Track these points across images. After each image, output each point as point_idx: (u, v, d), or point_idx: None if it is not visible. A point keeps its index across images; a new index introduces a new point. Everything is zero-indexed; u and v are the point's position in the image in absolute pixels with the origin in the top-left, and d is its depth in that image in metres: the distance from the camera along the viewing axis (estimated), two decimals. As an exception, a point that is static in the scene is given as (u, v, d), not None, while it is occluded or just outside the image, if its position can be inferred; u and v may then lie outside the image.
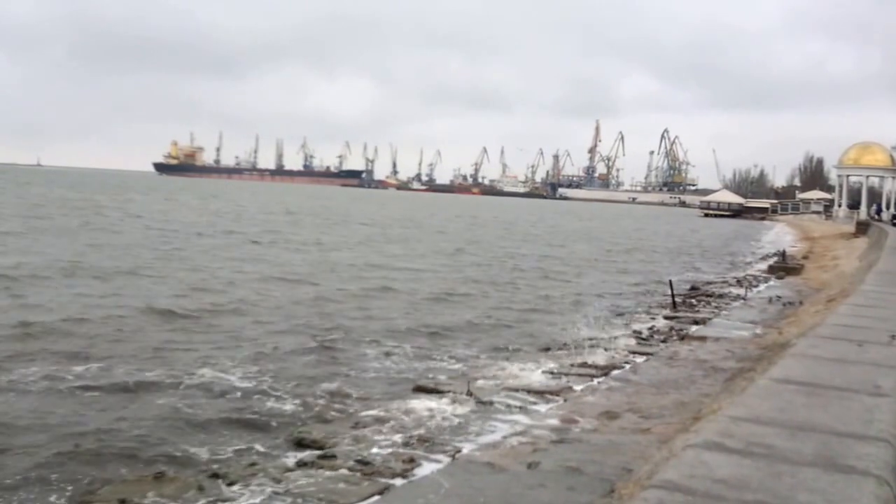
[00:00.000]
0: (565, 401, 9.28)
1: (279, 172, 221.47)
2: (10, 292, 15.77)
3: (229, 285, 18.89)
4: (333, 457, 7.19)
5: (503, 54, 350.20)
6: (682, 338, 13.55)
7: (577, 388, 10.09)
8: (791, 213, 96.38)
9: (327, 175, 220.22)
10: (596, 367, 11.52)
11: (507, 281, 23.62)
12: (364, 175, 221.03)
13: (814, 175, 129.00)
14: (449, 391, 9.84)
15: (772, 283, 23.87)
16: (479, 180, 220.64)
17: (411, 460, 7.10)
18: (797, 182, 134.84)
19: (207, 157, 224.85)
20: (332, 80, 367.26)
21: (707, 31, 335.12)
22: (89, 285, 17.45)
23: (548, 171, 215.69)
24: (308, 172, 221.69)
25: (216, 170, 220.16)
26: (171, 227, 36.24)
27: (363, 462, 7.03)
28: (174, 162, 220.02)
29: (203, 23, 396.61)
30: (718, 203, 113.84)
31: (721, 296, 21.68)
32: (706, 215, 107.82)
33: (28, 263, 19.87)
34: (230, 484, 6.66)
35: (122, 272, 19.80)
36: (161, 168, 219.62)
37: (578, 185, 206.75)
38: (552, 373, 11.23)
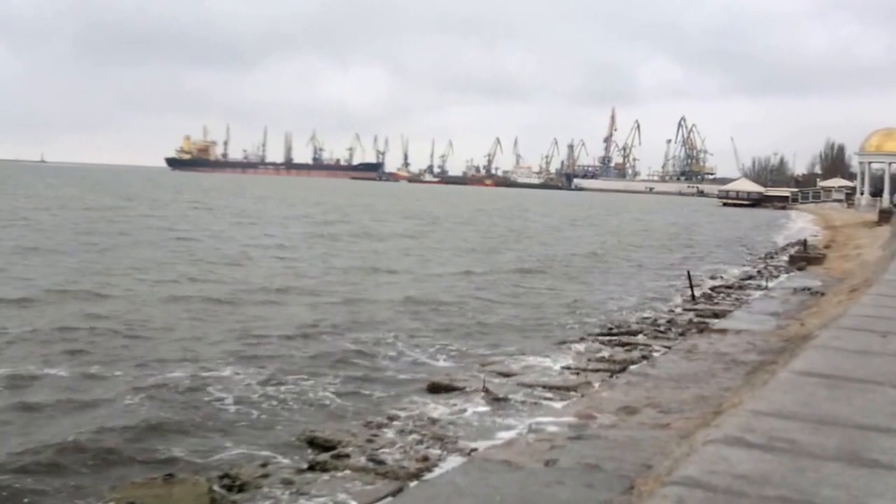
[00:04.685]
0: (582, 396, 9.17)
1: (294, 166, 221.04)
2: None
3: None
4: (346, 456, 7.11)
5: (519, 41, 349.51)
6: (701, 330, 13.38)
7: (595, 383, 9.97)
8: (812, 202, 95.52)
9: (344, 168, 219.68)
10: (613, 361, 11.39)
11: (520, 279, 23.51)
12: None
13: (835, 162, 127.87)
14: (464, 388, 9.75)
15: (793, 273, 23.57)
16: (493, 171, 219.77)
17: (426, 459, 7.02)
18: (818, 170, 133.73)
19: (217, 152, 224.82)
20: (342, 70, 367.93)
21: (731, 14, 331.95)
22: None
23: (562, 162, 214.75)
24: (324, 166, 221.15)
25: (229, 164, 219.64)
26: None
27: (377, 461, 6.94)
28: (187, 157, 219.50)
29: (211, 12, 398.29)
30: (738, 192, 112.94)
31: (741, 287, 21.45)
32: (725, 205, 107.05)
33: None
34: (241, 485, 6.59)
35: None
36: (173, 163, 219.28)
37: (594, 176, 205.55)
38: (569, 368, 11.12)
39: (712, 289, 21.09)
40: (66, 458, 7.35)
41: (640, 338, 13.53)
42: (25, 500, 6.52)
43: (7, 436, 7.93)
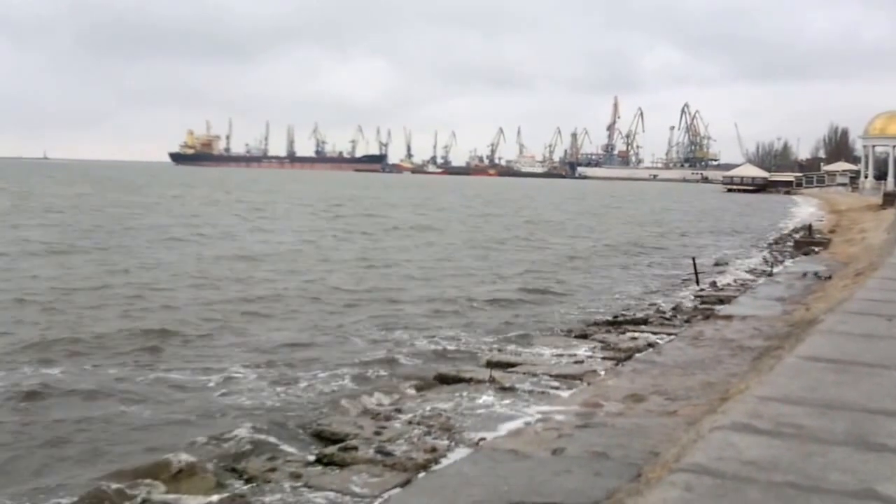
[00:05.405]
0: (589, 385, 9.17)
1: (297, 159, 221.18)
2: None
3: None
4: (354, 449, 7.10)
5: (520, 31, 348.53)
6: (706, 317, 13.36)
7: (601, 371, 9.98)
8: (816, 186, 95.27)
9: (348, 160, 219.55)
10: (619, 349, 11.39)
11: (528, 263, 23.52)
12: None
13: (839, 146, 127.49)
14: (470, 379, 9.74)
15: (798, 258, 23.55)
16: (496, 161, 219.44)
17: (433, 450, 7.01)
18: (822, 154, 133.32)
19: (219, 146, 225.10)
20: (343, 62, 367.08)
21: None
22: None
23: (565, 150, 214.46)
24: (328, 158, 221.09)
25: (233, 158, 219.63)
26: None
27: (384, 453, 6.93)
28: (190, 151, 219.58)
29: (211, 6, 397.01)
30: (742, 178, 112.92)
31: (747, 272, 21.45)
32: (729, 190, 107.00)
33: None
34: (249, 478, 6.59)
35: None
36: (177, 158, 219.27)
37: (597, 164, 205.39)
38: (575, 357, 11.13)
39: (718, 274, 21.10)
40: (75, 452, 7.40)
41: (646, 325, 13.52)
42: (30, 492, 6.53)
43: (13, 429, 7.97)
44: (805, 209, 60.22)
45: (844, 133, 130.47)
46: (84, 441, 7.72)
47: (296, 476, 6.60)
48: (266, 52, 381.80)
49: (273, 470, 6.76)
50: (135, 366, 10.48)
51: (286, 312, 14.64)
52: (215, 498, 6.22)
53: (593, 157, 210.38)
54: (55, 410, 8.60)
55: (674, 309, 15.36)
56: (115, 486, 6.49)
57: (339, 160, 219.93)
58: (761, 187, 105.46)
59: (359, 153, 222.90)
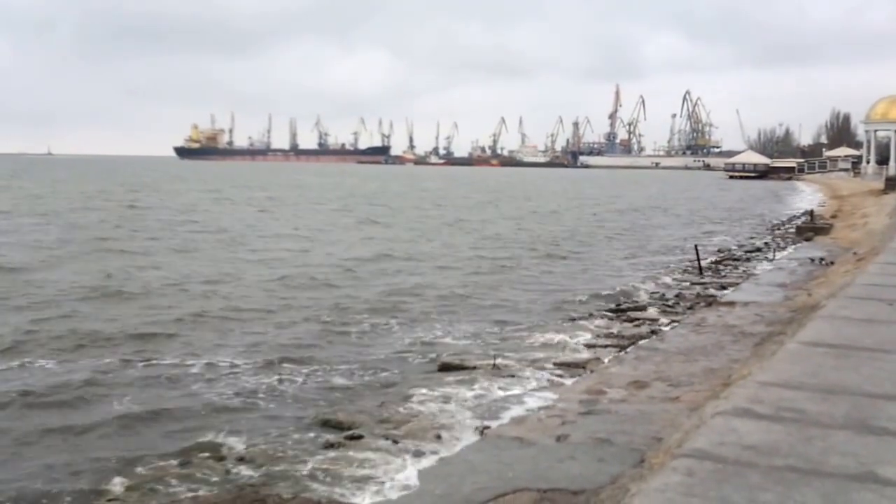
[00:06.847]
0: (592, 372, 9.24)
1: (302, 152, 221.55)
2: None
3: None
4: (360, 437, 7.20)
5: (522, 20, 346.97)
6: (709, 304, 13.42)
7: (604, 358, 10.04)
8: (818, 172, 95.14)
9: (352, 152, 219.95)
10: (622, 336, 11.45)
11: (529, 256, 23.54)
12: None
13: (840, 132, 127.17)
14: (475, 367, 9.81)
15: (800, 244, 23.56)
16: (499, 151, 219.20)
17: (439, 438, 7.10)
18: (824, 140, 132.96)
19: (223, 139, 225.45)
20: (345, 53, 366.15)
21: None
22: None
23: (567, 139, 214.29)
24: (332, 150, 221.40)
25: (238, 152, 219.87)
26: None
27: (391, 441, 7.04)
28: (195, 146, 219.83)
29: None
30: (744, 164, 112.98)
31: (748, 259, 21.47)
32: (731, 177, 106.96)
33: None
34: (258, 467, 6.67)
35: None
36: (182, 152, 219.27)
37: (599, 153, 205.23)
38: (578, 344, 11.18)
39: (720, 262, 21.10)
40: (83, 441, 7.48)
41: (649, 312, 13.57)
42: (42, 482, 6.57)
43: (27, 420, 8.04)
44: (807, 194, 60.10)
45: (846, 118, 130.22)
46: (90, 434, 7.74)
47: (303, 463, 6.68)
48: (267, 44, 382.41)
49: (281, 458, 6.84)
50: (141, 358, 10.50)
51: (290, 305, 14.65)
52: (225, 487, 6.30)
53: (595, 145, 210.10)
54: (60, 401, 8.66)
55: (676, 296, 15.39)
56: (123, 475, 6.58)
57: (342, 152, 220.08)
58: (763, 174, 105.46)
59: (361, 145, 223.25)
